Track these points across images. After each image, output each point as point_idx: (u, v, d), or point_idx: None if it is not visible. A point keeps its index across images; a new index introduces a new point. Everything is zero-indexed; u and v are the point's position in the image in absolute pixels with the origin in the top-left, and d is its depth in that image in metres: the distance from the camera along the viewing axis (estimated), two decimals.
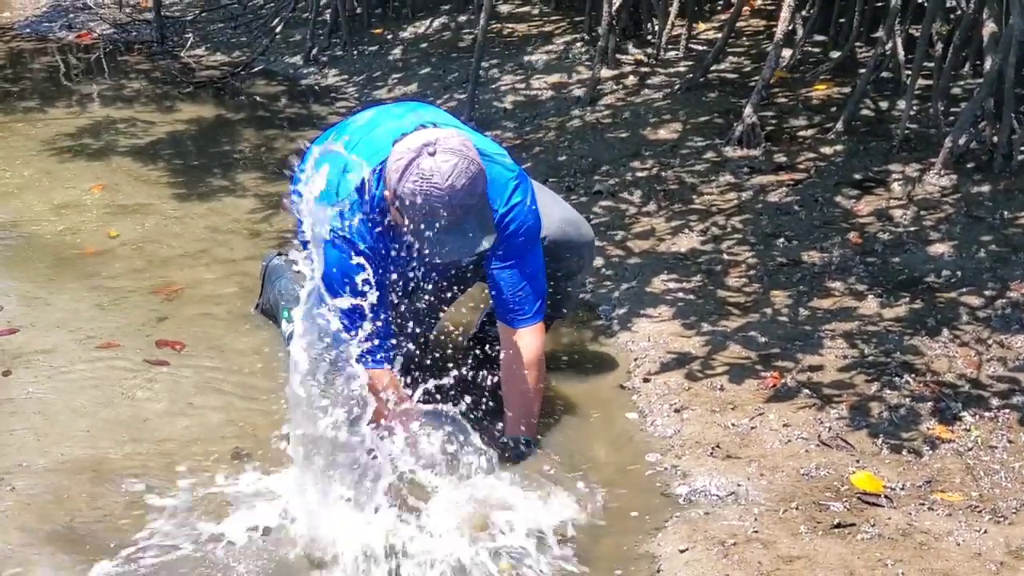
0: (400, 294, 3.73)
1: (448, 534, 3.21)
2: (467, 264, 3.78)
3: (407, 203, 3.24)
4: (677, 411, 3.75)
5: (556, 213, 3.78)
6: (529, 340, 3.60)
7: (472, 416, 3.76)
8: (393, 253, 3.50)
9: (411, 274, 3.64)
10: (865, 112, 5.86)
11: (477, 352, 4.24)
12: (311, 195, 3.10)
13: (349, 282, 3.40)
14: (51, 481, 3.47)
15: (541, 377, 3.65)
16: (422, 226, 3.26)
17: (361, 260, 3.39)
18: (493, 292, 3.62)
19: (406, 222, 3.31)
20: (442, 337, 4.24)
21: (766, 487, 3.32)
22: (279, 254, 4.55)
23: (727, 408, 3.73)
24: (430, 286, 3.88)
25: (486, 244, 3.31)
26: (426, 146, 3.24)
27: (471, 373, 3.96)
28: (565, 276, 3.84)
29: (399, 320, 3.70)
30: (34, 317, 4.55)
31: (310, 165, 3.44)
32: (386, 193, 3.35)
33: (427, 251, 3.32)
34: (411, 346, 3.83)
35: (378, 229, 3.45)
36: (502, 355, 3.64)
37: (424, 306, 3.97)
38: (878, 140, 5.52)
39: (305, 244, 3.98)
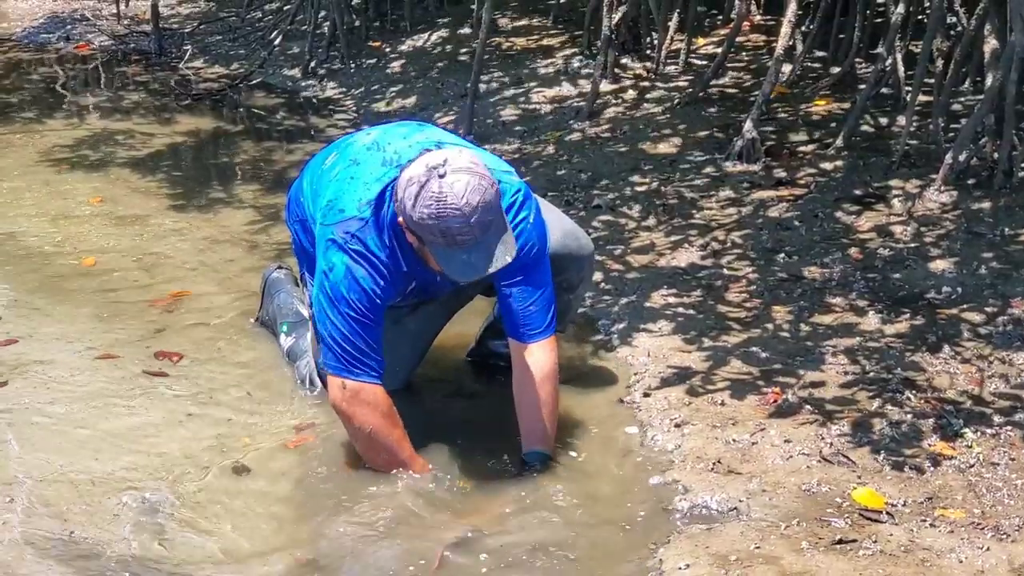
0: (403, 311, 3.73)
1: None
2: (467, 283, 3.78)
3: (425, 228, 3.22)
4: (677, 426, 3.74)
5: (556, 226, 3.77)
6: (542, 355, 3.58)
7: (481, 430, 3.78)
8: (405, 269, 3.50)
9: (410, 292, 3.64)
10: (865, 128, 5.86)
11: (475, 363, 4.25)
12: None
13: (357, 292, 3.40)
14: (49, 493, 3.45)
15: (556, 391, 3.63)
16: (443, 248, 3.25)
17: (374, 273, 3.41)
18: (502, 309, 3.60)
19: (425, 247, 3.31)
20: (441, 354, 4.23)
21: (768, 503, 3.31)
22: (279, 267, 4.54)
23: (728, 423, 3.72)
24: (429, 306, 3.88)
25: (508, 258, 3.27)
26: (434, 169, 3.21)
27: (477, 387, 3.99)
28: (566, 288, 3.83)
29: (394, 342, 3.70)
30: (32, 328, 4.54)
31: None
32: (399, 220, 3.33)
33: (451, 272, 3.31)
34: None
35: (387, 250, 3.44)
36: (514, 371, 3.61)
37: (418, 328, 3.96)
38: (878, 156, 5.52)
39: (301, 258, 4.01)
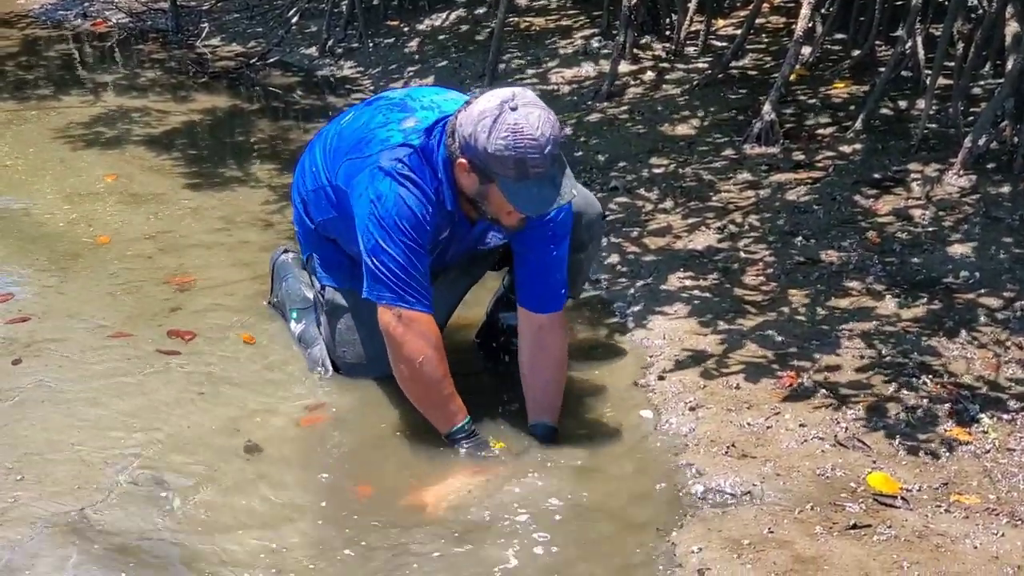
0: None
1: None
2: (491, 245, 3.83)
3: (498, 159, 3.26)
4: (692, 409, 3.72)
5: None
6: (556, 328, 3.62)
7: (488, 413, 3.76)
8: (450, 208, 3.52)
9: (440, 240, 3.64)
10: (884, 111, 5.83)
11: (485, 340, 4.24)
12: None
13: (409, 219, 3.41)
14: (60, 471, 3.45)
15: (566, 364, 3.68)
16: (513, 182, 3.29)
17: (423, 199, 3.43)
18: (521, 275, 3.62)
19: (492, 186, 3.33)
20: (450, 337, 4.21)
21: (782, 487, 3.29)
22: (285, 250, 4.51)
23: (743, 407, 3.70)
24: (441, 281, 3.86)
25: (575, 192, 3.37)
26: (505, 102, 3.26)
27: (486, 366, 3.96)
28: (576, 248, 3.80)
29: None
30: (45, 305, 4.54)
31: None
32: (461, 161, 3.35)
33: (521, 205, 3.33)
34: None
35: (435, 183, 3.47)
36: (524, 341, 3.64)
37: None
38: (897, 139, 5.49)
39: (303, 239, 4.00)
